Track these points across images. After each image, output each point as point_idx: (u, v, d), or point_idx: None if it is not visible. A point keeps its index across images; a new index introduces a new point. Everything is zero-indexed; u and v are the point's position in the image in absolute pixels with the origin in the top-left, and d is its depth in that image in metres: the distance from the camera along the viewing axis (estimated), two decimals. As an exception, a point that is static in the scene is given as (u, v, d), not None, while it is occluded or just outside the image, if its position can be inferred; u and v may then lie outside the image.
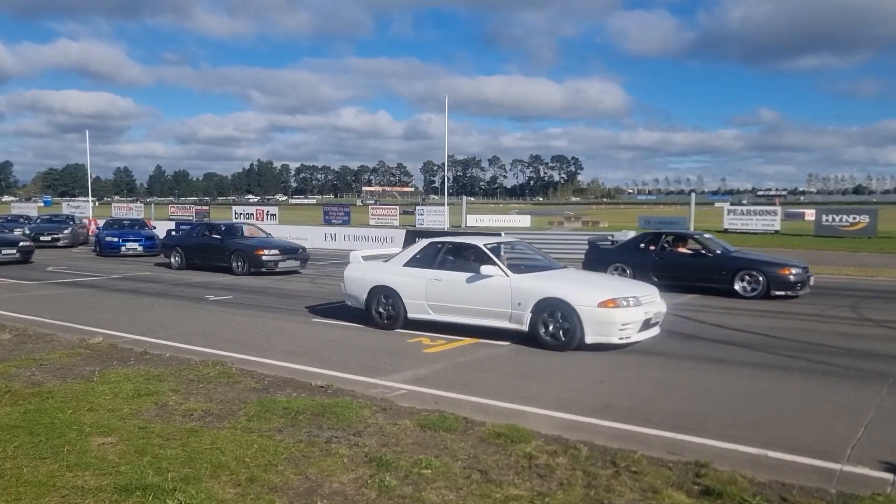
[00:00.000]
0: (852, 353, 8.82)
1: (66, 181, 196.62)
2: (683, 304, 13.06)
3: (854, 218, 34.07)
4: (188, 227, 23.75)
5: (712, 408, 6.43)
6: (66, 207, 55.03)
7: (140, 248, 24.01)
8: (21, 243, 21.31)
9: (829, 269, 19.29)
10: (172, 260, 19.90)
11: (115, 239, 24.15)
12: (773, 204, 56.41)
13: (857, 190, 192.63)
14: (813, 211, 43.60)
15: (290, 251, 18.83)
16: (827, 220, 34.63)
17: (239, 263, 18.04)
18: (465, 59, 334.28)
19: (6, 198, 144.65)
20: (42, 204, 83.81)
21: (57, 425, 5.55)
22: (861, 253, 25.24)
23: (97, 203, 68.67)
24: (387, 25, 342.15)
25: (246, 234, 20.41)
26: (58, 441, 5.19)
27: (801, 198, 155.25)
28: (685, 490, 4.46)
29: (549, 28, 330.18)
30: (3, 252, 20.34)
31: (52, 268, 19.94)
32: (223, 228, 20.27)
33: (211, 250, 19.10)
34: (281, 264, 18.17)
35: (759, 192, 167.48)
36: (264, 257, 17.89)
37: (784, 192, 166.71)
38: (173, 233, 23.37)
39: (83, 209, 51.14)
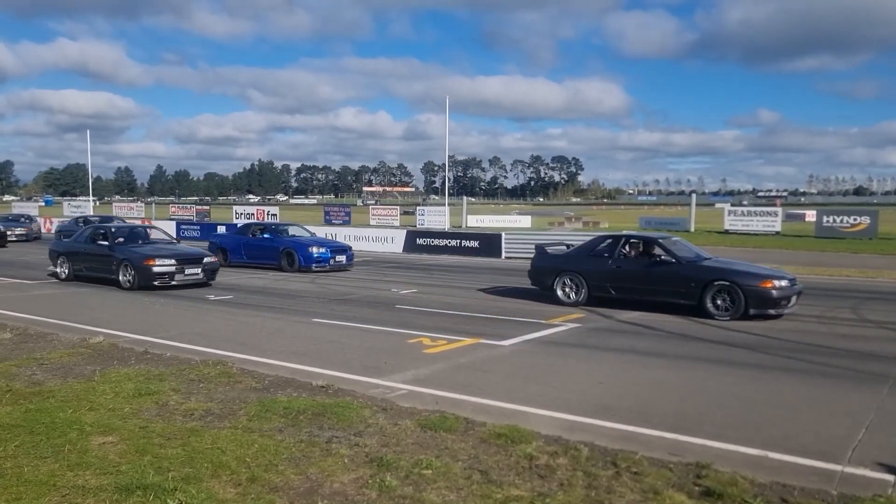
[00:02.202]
0: (853, 355, 8.81)
1: (67, 181, 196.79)
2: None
3: (855, 219, 34.08)
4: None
5: (712, 409, 6.43)
6: (67, 207, 55.14)
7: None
8: None
9: (830, 270, 19.31)
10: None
11: None
12: (774, 205, 56.38)
13: (858, 191, 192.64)
14: (814, 212, 43.65)
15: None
16: (827, 222, 34.64)
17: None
18: (464, 60, 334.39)
19: (7, 197, 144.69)
20: (43, 203, 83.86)
21: (58, 424, 5.55)
22: (862, 254, 25.23)
23: (98, 203, 68.62)
24: (385, 26, 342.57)
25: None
26: (58, 440, 5.19)
27: (802, 199, 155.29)
28: (686, 491, 4.46)
29: (548, 29, 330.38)
30: None
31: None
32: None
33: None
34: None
35: (760, 194, 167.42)
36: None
37: (785, 194, 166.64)
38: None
39: (84, 209, 51.23)
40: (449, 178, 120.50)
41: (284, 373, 7.54)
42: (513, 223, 49.02)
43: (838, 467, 4.95)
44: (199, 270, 15.48)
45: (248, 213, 44.69)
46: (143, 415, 5.90)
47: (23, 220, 36.18)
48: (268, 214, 44.37)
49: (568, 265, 13.21)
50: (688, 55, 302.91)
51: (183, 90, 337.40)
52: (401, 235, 28.45)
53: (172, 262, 15.11)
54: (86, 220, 28.84)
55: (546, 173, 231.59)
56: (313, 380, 7.16)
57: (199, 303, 13.25)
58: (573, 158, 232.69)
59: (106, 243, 16.07)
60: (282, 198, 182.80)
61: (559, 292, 13.07)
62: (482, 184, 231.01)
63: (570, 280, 13.02)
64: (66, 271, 16.57)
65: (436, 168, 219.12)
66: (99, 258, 15.89)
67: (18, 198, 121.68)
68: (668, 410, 6.36)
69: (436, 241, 26.93)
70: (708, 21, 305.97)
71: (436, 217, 41.69)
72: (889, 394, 6.97)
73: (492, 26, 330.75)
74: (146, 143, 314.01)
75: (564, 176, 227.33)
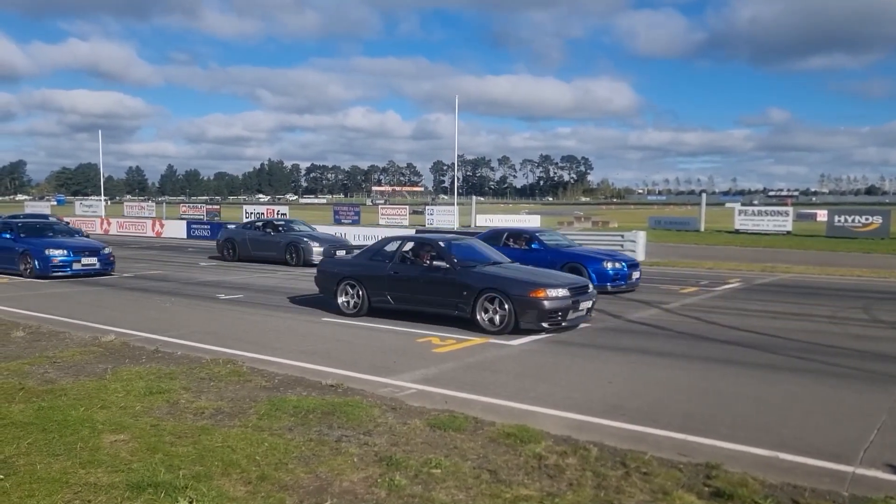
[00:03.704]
0: (865, 355, 8.75)
1: (78, 180, 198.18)
2: (693, 304, 13.02)
3: (866, 219, 33.86)
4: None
5: (723, 409, 6.40)
6: (79, 206, 55.45)
7: None
8: None
9: (841, 270, 19.19)
10: None
11: None
12: (785, 204, 56.06)
13: (870, 191, 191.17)
14: (825, 212, 43.40)
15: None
16: (839, 221, 34.44)
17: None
18: (472, 59, 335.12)
19: (20, 197, 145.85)
20: (55, 203, 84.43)
21: (70, 422, 5.59)
22: (873, 254, 25.06)
23: (109, 202, 69.05)
24: (394, 25, 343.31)
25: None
26: (71, 438, 5.23)
27: (813, 198, 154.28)
28: (696, 492, 4.44)
29: (557, 28, 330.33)
30: None
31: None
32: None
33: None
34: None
35: (771, 193, 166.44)
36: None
37: (796, 193, 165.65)
38: None
39: (96, 208, 51.53)
40: (458, 178, 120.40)
41: (294, 372, 7.56)
42: (522, 222, 48.90)
43: (850, 468, 4.92)
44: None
45: (259, 213, 44.82)
46: (154, 413, 5.93)
47: None
48: (277, 214, 44.50)
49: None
50: (698, 54, 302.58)
51: (192, 90, 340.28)
52: (408, 235, 28.41)
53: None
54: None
55: (555, 173, 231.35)
56: (323, 379, 7.18)
57: (209, 302, 13.31)
58: (582, 158, 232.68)
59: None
60: (292, 197, 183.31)
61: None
62: (491, 183, 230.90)
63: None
64: None
65: (445, 167, 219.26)
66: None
67: (31, 197, 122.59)
68: (677, 411, 6.34)
69: (445, 241, 26.83)
70: (718, 20, 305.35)
71: (445, 216, 41.65)
72: (901, 395, 6.92)
73: (500, 26, 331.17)
74: (156, 143, 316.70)
75: (574, 175, 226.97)
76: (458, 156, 38.48)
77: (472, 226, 42.66)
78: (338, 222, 41.98)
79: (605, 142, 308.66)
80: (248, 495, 4.29)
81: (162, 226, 38.17)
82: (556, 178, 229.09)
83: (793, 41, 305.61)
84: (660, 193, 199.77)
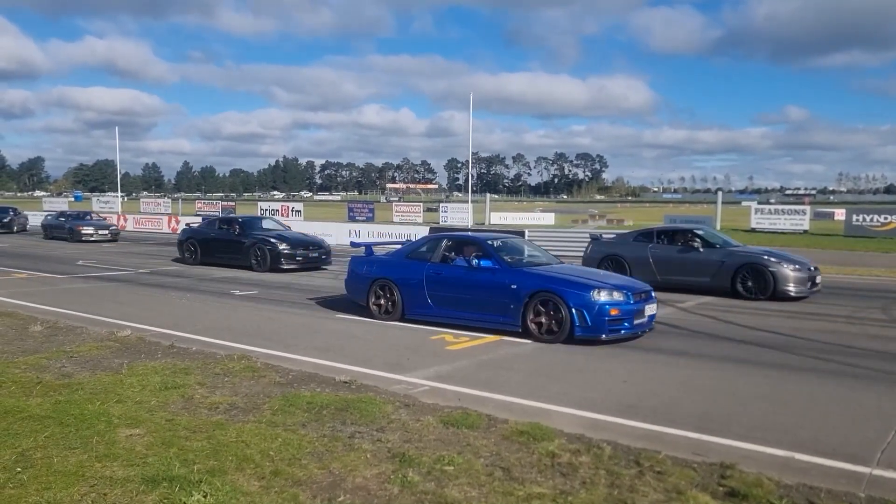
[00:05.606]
0: (883, 356, 8.65)
1: (96, 177, 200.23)
2: (709, 304, 12.92)
3: (885, 218, 33.42)
4: None
5: (738, 409, 6.35)
6: (96, 203, 56.01)
7: None
8: None
9: (859, 269, 18.97)
10: None
11: None
12: (802, 203, 55.52)
13: (889, 189, 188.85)
14: (843, 210, 42.90)
15: None
16: (857, 220, 34.02)
17: None
18: (487, 57, 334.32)
19: (38, 193, 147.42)
20: (73, 199, 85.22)
21: (86, 416, 5.65)
22: (892, 253, 24.73)
23: (126, 199, 69.68)
24: (408, 23, 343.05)
25: None
26: (87, 432, 5.28)
27: (831, 197, 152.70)
28: (710, 491, 4.41)
29: (572, 25, 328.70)
30: None
31: (83, 262, 20.31)
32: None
33: None
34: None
35: (788, 192, 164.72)
36: None
37: (813, 192, 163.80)
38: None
39: (112, 204, 52.01)
40: (472, 175, 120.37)
41: (308, 368, 7.59)
42: (536, 220, 48.79)
43: (867, 470, 4.86)
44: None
45: (273, 210, 45.06)
46: (170, 408, 5.98)
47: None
48: (292, 211, 44.70)
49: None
50: (714, 51, 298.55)
51: (208, 87, 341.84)
52: (424, 232, 28.39)
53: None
54: None
55: (570, 170, 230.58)
56: (336, 375, 7.20)
57: (224, 298, 13.39)
58: (597, 156, 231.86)
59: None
60: (306, 194, 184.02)
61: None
62: (505, 181, 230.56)
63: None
64: None
65: (459, 165, 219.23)
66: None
67: (49, 193, 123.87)
68: (693, 410, 6.30)
69: (459, 238, 26.87)
70: (735, 17, 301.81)
71: (459, 214, 41.69)
72: (920, 396, 6.83)
73: (515, 23, 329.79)
74: (172, 140, 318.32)
75: (588, 173, 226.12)
76: (473, 153, 38.45)
77: (486, 223, 42.63)
78: (352, 219, 42.10)
79: (621, 139, 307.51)
80: (262, 490, 4.31)
81: (178, 222, 38.42)
82: (570, 176, 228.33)
83: (811, 38, 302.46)
84: (675, 192, 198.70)
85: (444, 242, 10.81)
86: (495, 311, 9.60)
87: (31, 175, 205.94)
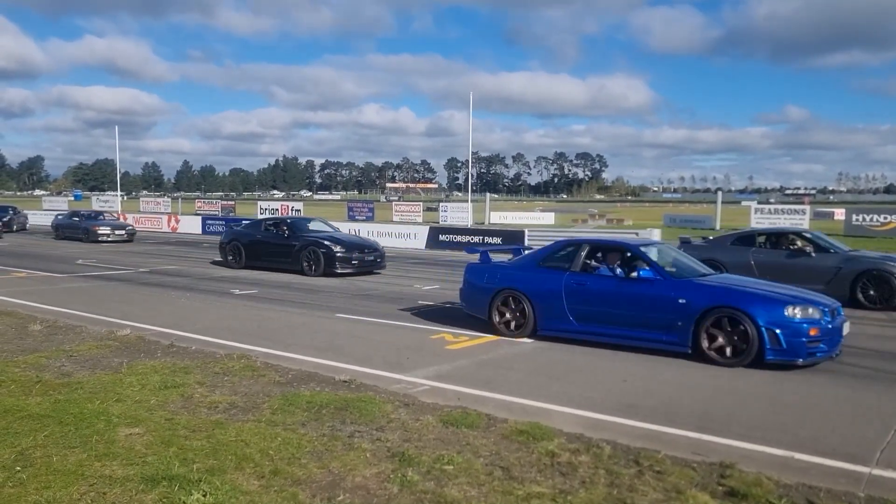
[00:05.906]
0: (883, 356, 8.66)
1: (95, 176, 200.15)
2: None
3: (885, 217, 33.43)
4: None
5: (738, 409, 6.36)
6: (96, 202, 55.98)
7: None
8: None
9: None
10: None
11: None
12: (802, 203, 55.52)
13: (889, 189, 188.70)
14: (843, 210, 42.92)
15: None
16: (857, 220, 34.04)
17: None
18: (487, 56, 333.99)
19: (38, 192, 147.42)
20: (73, 198, 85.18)
21: (86, 415, 5.64)
22: (891, 253, 24.70)
23: (126, 198, 69.63)
24: (408, 23, 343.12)
25: None
26: (86, 431, 5.28)
27: (831, 197, 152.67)
28: (709, 491, 4.41)
29: (572, 25, 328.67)
30: None
31: (82, 261, 20.31)
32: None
33: None
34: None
35: (788, 191, 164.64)
36: None
37: (813, 191, 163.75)
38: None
39: (112, 203, 51.98)
40: (472, 175, 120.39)
41: (307, 367, 7.59)
42: (536, 220, 48.80)
43: (866, 469, 4.87)
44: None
45: (273, 209, 45.04)
46: (169, 407, 5.97)
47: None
48: (292, 210, 44.67)
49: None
50: (714, 51, 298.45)
51: (208, 87, 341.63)
52: (423, 231, 28.50)
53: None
54: None
55: (570, 170, 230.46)
56: (336, 374, 7.20)
57: (224, 297, 13.39)
58: (597, 155, 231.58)
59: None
60: (306, 194, 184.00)
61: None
62: (505, 180, 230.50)
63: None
64: None
65: (459, 164, 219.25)
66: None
67: (48, 192, 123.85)
68: (692, 410, 6.30)
69: (458, 238, 26.93)
70: (735, 16, 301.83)
71: (458, 213, 41.65)
72: (920, 396, 6.83)
73: (515, 22, 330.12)
74: (172, 139, 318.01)
75: (588, 173, 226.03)
76: (473, 153, 38.44)
77: (486, 223, 42.63)
78: (352, 219, 42.06)
79: (620, 139, 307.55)
80: (261, 489, 4.31)
81: (178, 221, 38.46)
82: (570, 176, 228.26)
83: (811, 38, 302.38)
84: (675, 191, 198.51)
85: (585, 248, 9.48)
86: (657, 330, 8.40)
87: (30, 174, 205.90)
